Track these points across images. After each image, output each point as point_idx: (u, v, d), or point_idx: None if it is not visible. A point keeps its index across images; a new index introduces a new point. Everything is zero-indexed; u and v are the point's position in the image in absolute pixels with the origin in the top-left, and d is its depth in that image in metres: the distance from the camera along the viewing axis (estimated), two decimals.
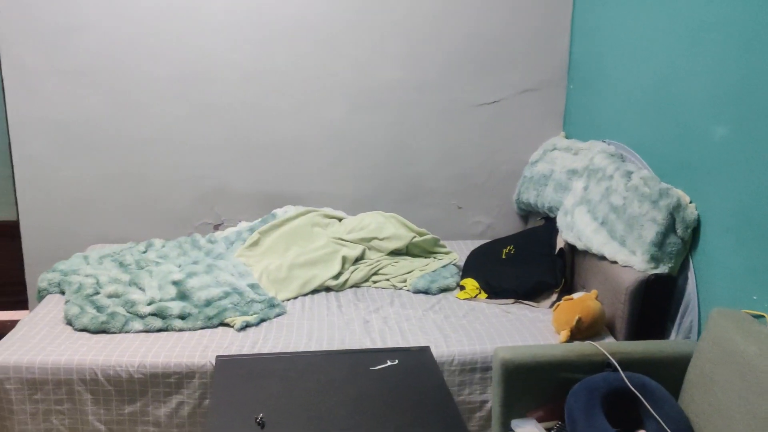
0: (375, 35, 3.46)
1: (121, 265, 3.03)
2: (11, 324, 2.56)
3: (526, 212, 3.70)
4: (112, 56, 3.32)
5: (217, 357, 1.88)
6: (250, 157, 3.54)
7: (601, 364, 2.14)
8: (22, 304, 3.63)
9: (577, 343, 2.32)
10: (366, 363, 1.79)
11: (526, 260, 2.99)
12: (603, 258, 2.67)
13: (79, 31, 3.27)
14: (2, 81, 3.30)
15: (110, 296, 2.68)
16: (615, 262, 2.59)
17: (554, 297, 2.84)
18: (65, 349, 2.32)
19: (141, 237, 3.51)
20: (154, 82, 3.38)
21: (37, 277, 3.27)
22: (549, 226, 3.14)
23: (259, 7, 3.35)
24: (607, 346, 2.17)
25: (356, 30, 3.44)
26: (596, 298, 2.56)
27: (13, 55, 3.26)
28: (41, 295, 2.86)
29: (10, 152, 3.40)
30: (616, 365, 2.09)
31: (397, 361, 1.79)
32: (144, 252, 3.21)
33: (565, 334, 2.48)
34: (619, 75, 3.04)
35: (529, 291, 2.87)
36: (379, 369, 1.74)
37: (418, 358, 1.84)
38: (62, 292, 2.82)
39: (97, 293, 2.71)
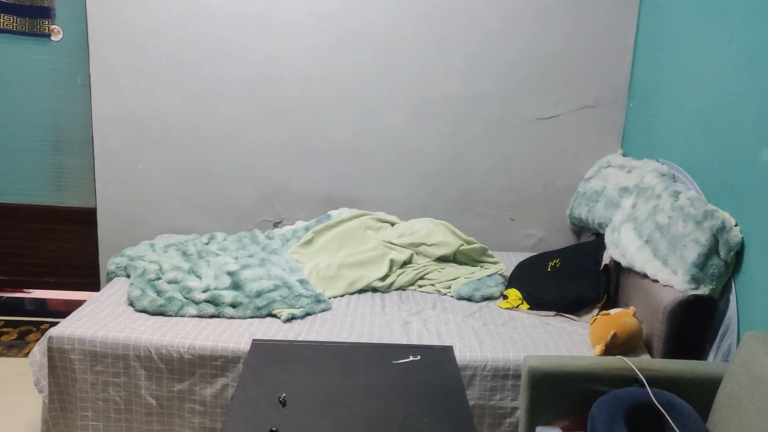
0: (434, 47, 3.57)
1: (184, 254, 3.24)
2: (84, 303, 2.80)
3: (579, 227, 3.71)
4: (188, 58, 3.56)
5: (254, 341, 2.02)
6: (310, 159, 3.70)
7: (630, 379, 2.15)
8: (94, 285, 3.91)
9: (606, 356, 2.34)
10: (390, 356, 1.89)
11: (570, 274, 3.01)
12: (645, 276, 2.67)
13: (160, 34, 3.52)
14: (89, 79, 3.59)
15: (170, 282, 2.87)
16: (656, 281, 2.59)
17: (595, 312, 2.85)
18: (125, 327, 2.53)
19: (205, 229, 3.73)
20: (225, 84, 3.60)
21: (108, 262, 3.53)
22: (598, 241, 3.15)
23: (325, 19, 3.52)
24: (636, 361, 2.19)
25: (416, 42, 3.55)
26: (634, 315, 2.57)
27: (100, 55, 3.54)
28: (109, 277, 3.10)
29: (93, 146, 3.68)
30: (643, 380, 2.10)
31: (419, 357, 1.88)
32: (206, 244, 3.41)
33: (599, 348, 2.50)
34: (676, 95, 3.03)
35: (570, 304, 2.90)
36: (400, 363, 1.84)
37: (440, 357, 1.92)
38: (128, 276, 3.04)
39: (159, 278, 2.91)
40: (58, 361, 2.45)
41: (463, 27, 3.54)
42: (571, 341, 2.64)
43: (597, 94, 3.61)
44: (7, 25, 3.69)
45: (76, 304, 3.84)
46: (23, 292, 4.14)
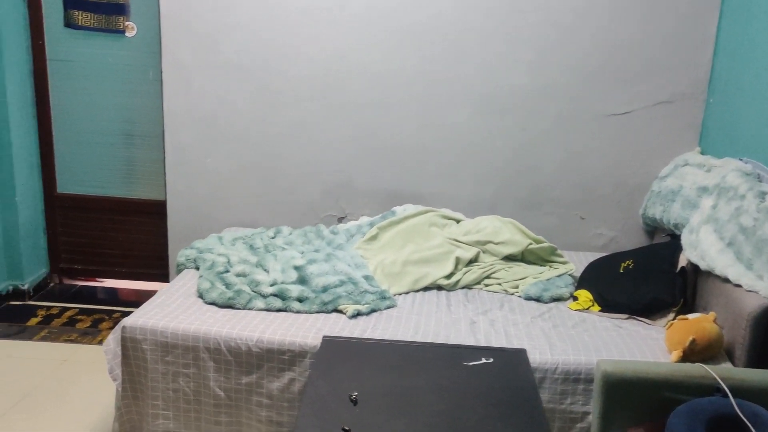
0: (503, 41, 3.49)
1: (251, 248, 3.27)
2: (153, 293, 2.86)
3: (652, 228, 3.58)
4: (257, 54, 3.59)
5: (324, 336, 2.01)
6: (375, 155, 3.69)
7: (710, 388, 2.05)
8: (163, 276, 4.00)
9: (685, 363, 2.24)
10: (461, 358, 1.85)
11: (644, 276, 2.91)
12: (726, 280, 2.55)
13: (230, 30, 3.57)
14: (161, 74, 3.66)
15: (238, 275, 2.90)
16: (739, 286, 2.47)
17: (671, 317, 2.74)
18: (194, 319, 2.56)
19: (272, 223, 3.76)
20: (292, 80, 3.62)
21: (178, 252, 3.60)
22: (673, 243, 3.02)
23: (391, 13, 3.49)
24: (718, 369, 2.08)
25: (484, 35, 3.49)
26: (714, 321, 2.45)
27: (172, 52, 3.61)
28: (179, 269, 3.16)
29: (164, 140, 3.76)
30: (726, 390, 2.00)
31: (492, 360, 1.83)
32: (273, 237, 3.44)
33: (677, 354, 2.40)
34: (762, 89, 2.87)
35: (644, 307, 2.79)
36: (472, 365, 1.80)
37: (513, 359, 1.87)
38: (197, 268, 3.09)
39: (227, 271, 2.95)
40: (131, 350, 2.50)
41: (533, 19, 3.45)
42: (646, 346, 2.54)
43: (674, 89, 3.47)
44: (84, 21, 3.81)
45: (146, 294, 3.95)
46: (96, 281, 4.27)
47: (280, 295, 2.74)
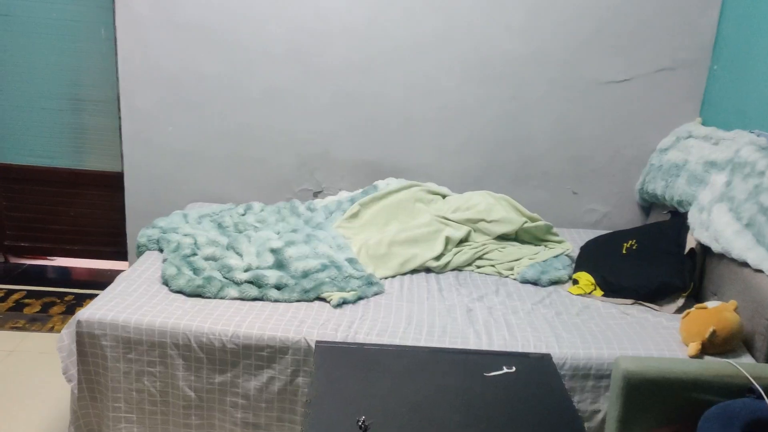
0: (497, 5, 3.20)
1: (220, 226, 2.96)
2: (110, 273, 2.55)
3: (650, 204, 3.38)
4: (226, 11, 3.23)
5: (317, 343, 1.74)
6: (356, 124, 3.38)
7: (740, 388, 1.87)
8: (121, 254, 3.66)
9: (713, 360, 2.05)
10: (480, 367, 1.60)
11: (650, 258, 2.70)
12: (744, 264, 2.35)
13: None
14: (115, 32, 3.27)
15: (207, 259, 2.60)
16: (761, 271, 2.28)
17: (680, 302, 2.55)
18: (160, 310, 2.26)
19: (241, 198, 3.45)
20: (265, 40, 3.27)
21: (137, 230, 3.26)
22: (678, 221, 2.82)
23: None
24: (750, 368, 1.89)
25: None
26: (735, 310, 2.26)
27: (127, 6, 3.22)
28: (140, 251, 2.84)
29: (119, 105, 3.38)
30: (761, 392, 1.81)
31: (514, 368, 1.59)
32: (243, 215, 3.13)
33: (695, 346, 2.21)
34: None
35: (651, 292, 2.59)
36: (494, 375, 1.55)
37: (537, 367, 1.63)
38: (160, 250, 2.78)
39: (195, 254, 2.64)
40: (88, 347, 2.19)
41: None
42: (659, 336, 2.34)
43: (677, 55, 3.24)
44: None
45: (102, 274, 3.61)
46: (46, 259, 3.91)
47: (256, 282, 2.45)
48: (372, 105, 3.35)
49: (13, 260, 3.87)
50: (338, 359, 1.63)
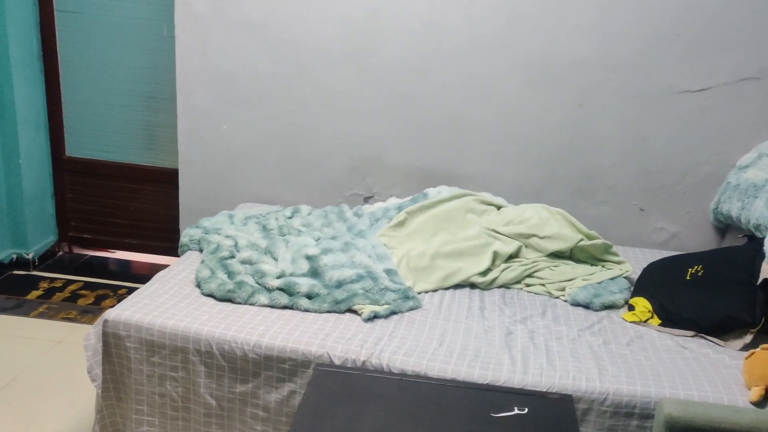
0: (565, 4, 3.01)
1: (264, 228, 2.92)
2: (165, 268, 2.57)
3: (725, 225, 3.09)
4: (282, 10, 3.19)
5: (317, 367, 1.64)
6: (409, 128, 3.27)
7: None
8: (176, 251, 3.69)
9: None
10: (489, 405, 1.46)
11: (716, 286, 2.45)
12: None
13: None
14: (174, 29, 3.29)
15: (243, 262, 2.56)
16: None
17: (748, 338, 2.30)
18: (186, 314, 2.23)
19: (291, 199, 3.41)
20: (322, 41, 3.21)
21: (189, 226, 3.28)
22: (752, 248, 2.55)
23: None
24: None
25: None
26: None
27: (186, 3, 3.23)
28: (182, 250, 2.84)
29: (176, 102, 3.41)
30: None
31: (526, 410, 1.44)
32: (290, 217, 3.08)
33: (758, 391, 1.97)
34: None
35: (715, 326, 2.35)
36: (502, 417, 1.41)
37: (554, 410, 1.47)
38: (201, 250, 2.76)
39: (233, 257, 2.61)
40: (113, 347, 2.19)
41: None
42: (717, 375, 2.11)
43: (762, 63, 2.94)
44: None
45: (157, 269, 3.66)
46: (107, 252, 4.01)
47: (287, 290, 2.38)
48: (427, 108, 3.23)
49: (77, 250, 3.99)
50: (335, 387, 1.52)
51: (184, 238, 2.84)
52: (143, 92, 3.66)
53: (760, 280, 2.38)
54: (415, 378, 1.72)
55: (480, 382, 2.00)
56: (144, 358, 2.18)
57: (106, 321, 2.18)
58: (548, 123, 3.18)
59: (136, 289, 2.36)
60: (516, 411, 1.42)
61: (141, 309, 2.23)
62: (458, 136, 3.26)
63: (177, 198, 3.59)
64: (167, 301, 2.31)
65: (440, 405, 1.46)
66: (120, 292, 3.48)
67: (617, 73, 3.07)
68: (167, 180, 3.71)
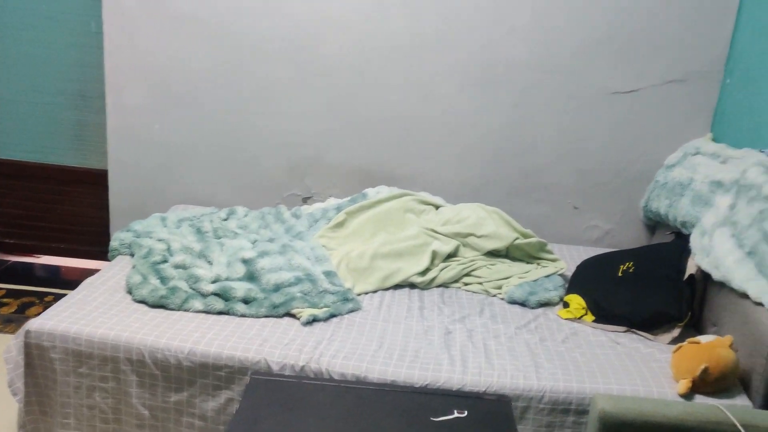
0: (502, 6, 3.04)
1: (198, 231, 2.85)
2: (95, 273, 2.46)
3: (654, 222, 3.19)
4: (217, 6, 3.11)
5: (252, 375, 1.60)
6: (350, 127, 3.25)
7: None
8: (106, 254, 3.56)
9: (700, 404, 1.88)
10: (428, 410, 1.45)
11: (646, 283, 2.52)
12: (745, 296, 2.18)
13: None
14: (102, 25, 3.17)
15: (177, 267, 2.49)
16: (761, 304, 2.10)
17: (676, 332, 2.37)
18: (117, 322, 2.15)
19: (227, 201, 3.33)
20: (257, 38, 3.15)
21: (120, 229, 3.17)
22: (679, 244, 2.64)
23: None
24: (739, 413, 1.72)
25: None
26: (730, 346, 2.08)
27: None
28: (113, 255, 2.74)
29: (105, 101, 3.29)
30: None
31: (466, 413, 1.44)
32: (225, 219, 3.02)
33: (685, 384, 2.04)
34: None
35: (645, 321, 2.42)
36: (441, 420, 1.40)
37: (492, 411, 1.48)
38: (133, 254, 2.67)
39: (165, 261, 2.53)
40: (36, 359, 2.09)
41: None
42: (648, 369, 2.17)
43: (688, 66, 3.05)
44: None
45: (87, 274, 3.52)
46: (33, 257, 3.83)
47: (223, 295, 2.33)
48: (367, 108, 3.22)
49: (0, 256, 3.80)
50: (270, 395, 1.48)
51: (114, 242, 2.74)
52: (71, 90, 3.51)
53: (686, 276, 2.46)
54: (351, 383, 1.70)
55: (420, 383, 2.00)
56: (71, 369, 2.09)
57: (28, 332, 2.08)
58: (486, 124, 3.22)
59: (64, 295, 2.26)
60: (456, 414, 1.42)
61: (67, 318, 2.13)
62: (398, 136, 3.25)
63: (107, 200, 3.46)
64: (96, 309, 2.22)
65: (378, 410, 1.45)
66: (47, 299, 3.33)
67: (552, 75, 3.13)
68: (97, 181, 3.57)
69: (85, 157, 3.63)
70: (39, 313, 2.10)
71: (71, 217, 3.71)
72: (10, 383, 2.06)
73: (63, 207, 3.71)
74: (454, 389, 1.98)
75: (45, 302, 3.29)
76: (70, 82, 3.49)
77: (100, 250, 3.63)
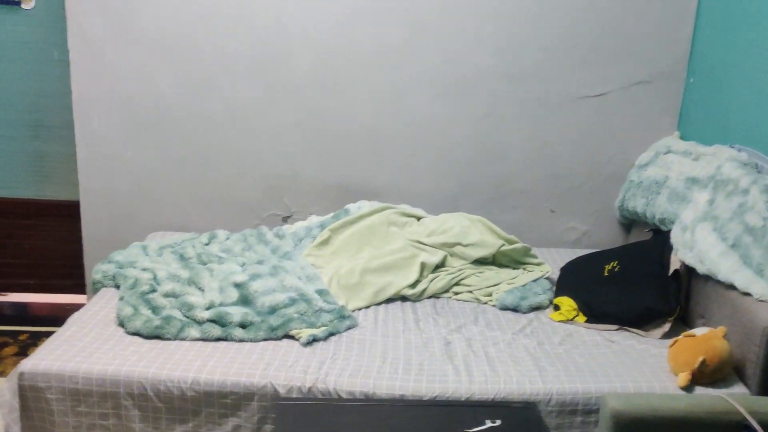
0: (467, 15, 3.10)
1: (182, 258, 2.80)
2: (69, 307, 2.37)
3: (630, 221, 3.28)
4: (183, 28, 3.07)
5: (279, 402, 1.58)
6: (324, 144, 3.24)
7: (735, 424, 1.76)
8: (79, 287, 3.46)
9: (705, 395, 1.94)
10: (459, 421, 1.46)
11: (633, 281, 2.59)
12: (732, 287, 2.25)
13: None
14: (68, 54, 3.09)
15: (167, 296, 2.44)
16: (748, 294, 2.18)
17: (666, 327, 2.44)
18: (114, 356, 2.09)
19: (205, 225, 3.28)
20: (226, 58, 3.12)
21: (95, 261, 3.07)
22: (661, 241, 2.72)
23: None
24: (745, 402, 1.78)
25: (445, 10, 3.08)
26: (724, 337, 2.15)
27: (79, 24, 3.04)
28: (96, 288, 2.66)
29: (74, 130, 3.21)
30: (758, 428, 1.70)
31: (499, 422, 1.45)
32: (207, 244, 2.97)
33: (685, 377, 2.09)
34: (754, 69, 2.58)
35: (635, 318, 2.48)
36: (477, 431, 1.41)
37: (523, 418, 1.50)
38: (117, 286, 2.60)
39: (154, 291, 2.47)
40: (32, 401, 2.01)
41: None
42: (646, 365, 2.23)
43: (652, 68, 3.15)
44: None
45: (60, 309, 3.41)
46: (1, 295, 3.69)
47: (219, 321, 2.29)
48: (338, 122, 3.22)
49: None
50: (302, 419, 1.47)
51: (96, 275, 2.66)
52: (30, 121, 3.40)
53: (671, 271, 2.54)
54: (382, 402, 1.69)
55: (428, 395, 2.00)
56: (69, 408, 2.02)
57: (21, 374, 2.00)
58: (457, 133, 3.25)
59: (39, 332, 2.17)
60: (488, 424, 1.43)
61: (61, 356, 2.06)
62: (371, 149, 3.26)
63: (79, 231, 3.36)
64: (89, 345, 2.15)
65: (413, 427, 1.44)
66: (21, 337, 3.20)
67: (520, 83, 3.19)
68: (66, 213, 3.47)
69: (50, 189, 3.52)
70: (15, 352, 2.03)
71: (39, 251, 3.58)
72: (7, 428, 1.98)
73: (29, 241, 3.58)
74: (474, 399, 1.99)
75: (20, 341, 3.16)
76: (27, 112, 3.38)
77: (74, 283, 3.53)
